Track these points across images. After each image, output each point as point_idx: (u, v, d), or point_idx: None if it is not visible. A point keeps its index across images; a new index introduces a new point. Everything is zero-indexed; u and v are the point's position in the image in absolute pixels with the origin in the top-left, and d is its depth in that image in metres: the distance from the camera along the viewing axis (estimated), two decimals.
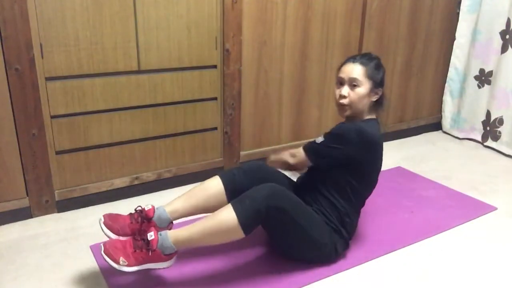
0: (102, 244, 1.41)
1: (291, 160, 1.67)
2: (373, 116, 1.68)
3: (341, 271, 1.62)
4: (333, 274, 1.60)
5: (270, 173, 1.71)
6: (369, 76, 1.59)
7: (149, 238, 1.40)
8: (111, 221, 1.52)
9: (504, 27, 2.83)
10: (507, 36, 2.80)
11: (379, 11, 2.68)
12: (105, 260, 1.38)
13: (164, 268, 1.46)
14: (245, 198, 1.43)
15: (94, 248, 1.71)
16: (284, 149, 1.76)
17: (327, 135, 1.60)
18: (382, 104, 1.68)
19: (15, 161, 1.84)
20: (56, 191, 1.97)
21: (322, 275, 1.59)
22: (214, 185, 1.61)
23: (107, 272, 1.57)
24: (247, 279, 1.56)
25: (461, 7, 2.99)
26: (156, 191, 2.21)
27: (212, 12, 2.10)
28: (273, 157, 1.75)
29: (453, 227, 1.94)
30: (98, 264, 1.62)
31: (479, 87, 3.03)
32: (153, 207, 1.55)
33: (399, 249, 1.76)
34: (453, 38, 3.08)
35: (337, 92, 1.64)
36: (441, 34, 3.05)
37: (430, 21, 2.96)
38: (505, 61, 2.81)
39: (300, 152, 1.65)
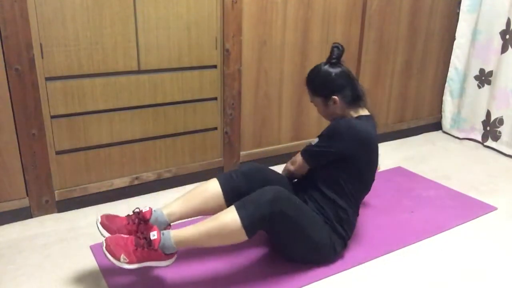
0: (104, 240, 1.41)
1: (291, 167, 1.74)
2: (366, 113, 1.71)
3: (341, 271, 1.62)
4: (333, 274, 1.60)
5: (269, 174, 1.71)
6: (315, 94, 1.71)
7: (152, 238, 1.40)
8: (108, 222, 1.52)
9: (504, 27, 2.83)
10: (507, 36, 2.80)
11: (379, 11, 2.68)
12: (106, 257, 1.39)
13: (164, 266, 1.46)
14: (249, 202, 1.43)
15: (94, 248, 1.71)
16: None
17: (320, 136, 1.65)
18: (358, 100, 1.69)
19: (15, 161, 1.84)
20: (56, 191, 1.97)
21: (322, 275, 1.59)
22: (212, 188, 1.61)
23: (107, 272, 1.57)
24: (246, 279, 1.56)
25: (461, 7, 2.99)
26: (156, 191, 2.21)
27: (212, 12, 2.10)
28: None
29: (453, 227, 1.94)
30: (98, 264, 1.62)
31: (479, 87, 3.03)
32: (151, 209, 1.55)
33: (399, 249, 1.76)
34: (453, 38, 3.08)
35: None
36: (441, 34, 3.05)
37: (430, 21, 2.96)
38: (505, 61, 2.81)
39: (298, 157, 1.70)
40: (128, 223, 1.53)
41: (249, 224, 1.40)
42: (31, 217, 1.94)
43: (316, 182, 1.66)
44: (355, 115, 1.69)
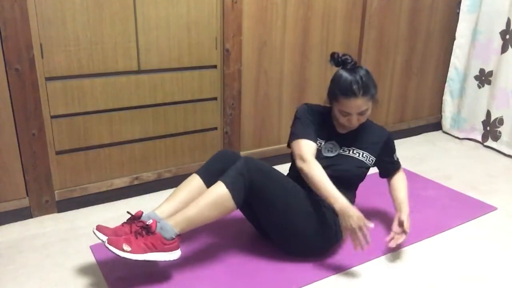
0: (106, 238, 1.43)
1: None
2: None
3: (341, 271, 1.62)
4: (333, 274, 1.60)
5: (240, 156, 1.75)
6: (373, 98, 1.61)
7: (148, 223, 1.45)
8: (103, 227, 1.54)
9: (504, 27, 2.83)
10: (507, 36, 2.80)
11: (379, 11, 2.68)
12: (109, 249, 1.40)
13: (170, 260, 1.46)
14: (229, 170, 1.53)
15: (94, 248, 1.71)
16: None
17: (394, 150, 1.88)
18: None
19: (15, 161, 1.84)
20: (56, 191, 1.97)
21: (322, 275, 1.59)
22: (193, 181, 1.68)
23: (107, 272, 1.57)
24: (246, 278, 1.56)
25: (461, 7, 2.99)
26: (156, 191, 2.21)
27: (212, 12, 2.10)
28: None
29: (453, 227, 1.94)
30: (98, 264, 1.62)
31: (479, 87, 3.03)
32: (141, 211, 1.58)
33: (399, 249, 1.76)
34: (453, 38, 3.08)
35: (344, 120, 1.64)
36: (441, 34, 3.06)
37: (430, 21, 2.96)
38: (505, 61, 2.81)
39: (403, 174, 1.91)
40: (123, 225, 1.55)
41: (232, 185, 1.48)
42: (31, 217, 1.94)
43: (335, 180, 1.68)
44: None
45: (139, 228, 1.45)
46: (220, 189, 1.48)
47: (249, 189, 1.50)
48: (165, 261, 1.45)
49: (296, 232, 1.60)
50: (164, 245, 1.43)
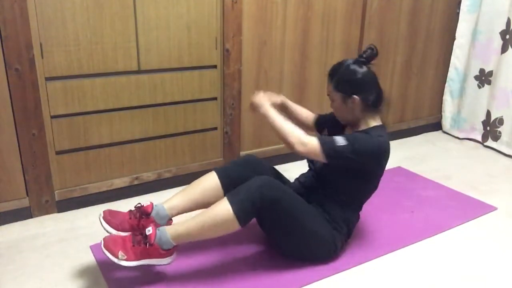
0: (102, 239, 1.43)
1: (301, 149, 1.50)
2: (379, 122, 1.64)
3: (341, 271, 1.62)
4: (333, 274, 1.60)
5: (265, 166, 1.73)
6: (337, 89, 1.60)
7: (147, 233, 1.43)
8: (110, 217, 1.55)
9: (504, 27, 2.83)
10: (507, 36, 2.80)
11: (379, 11, 2.68)
12: (105, 254, 1.40)
13: (164, 265, 1.47)
14: (240, 189, 1.46)
15: (94, 248, 1.71)
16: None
17: (350, 142, 1.50)
18: (378, 107, 1.63)
19: (15, 161, 1.84)
20: (56, 191, 1.97)
21: (322, 275, 1.59)
22: (210, 180, 1.64)
23: (107, 272, 1.57)
24: (246, 278, 1.56)
25: (461, 7, 2.99)
26: (156, 191, 2.21)
27: (212, 12, 2.10)
28: (269, 113, 1.62)
29: (453, 227, 1.94)
30: (98, 264, 1.62)
31: (479, 87, 3.03)
32: (152, 203, 1.58)
33: (399, 249, 1.76)
34: (453, 38, 3.08)
35: None
36: (441, 34, 3.05)
37: (430, 21, 2.96)
38: (505, 61, 2.81)
39: (314, 145, 1.49)
40: (130, 218, 1.55)
41: (240, 210, 1.42)
42: (31, 217, 1.94)
43: (320, 185, 1.66)
44: (370, 121, 1.62)
45: (138, 237, 1.43)
46: (226, 213, 1.41)
47: (257, 214, 1.47)
48: (159, 265, 1.47)
49: (299, 249, 1.61)
50: (160, 254, 1.44)
